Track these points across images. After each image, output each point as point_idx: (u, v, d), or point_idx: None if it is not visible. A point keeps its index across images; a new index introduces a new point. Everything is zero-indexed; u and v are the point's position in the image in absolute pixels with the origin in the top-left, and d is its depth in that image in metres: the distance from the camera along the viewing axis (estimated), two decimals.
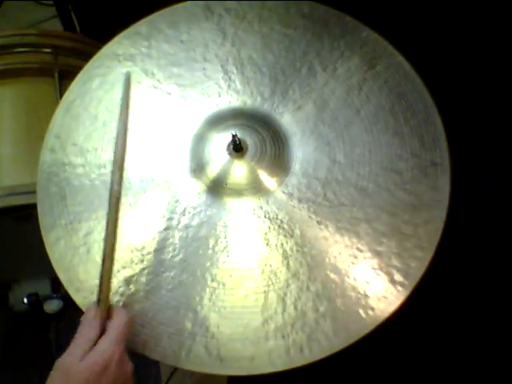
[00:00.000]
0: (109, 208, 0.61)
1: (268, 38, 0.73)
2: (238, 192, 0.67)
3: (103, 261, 0.58)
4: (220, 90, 0.71)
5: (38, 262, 0.70)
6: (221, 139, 0.69)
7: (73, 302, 0.64)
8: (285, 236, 0.64)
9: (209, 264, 0.64)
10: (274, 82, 0.71)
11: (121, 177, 0.62)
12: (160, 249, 0.65)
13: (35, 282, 0.92)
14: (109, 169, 0.68)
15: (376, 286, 0.61)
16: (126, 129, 0.66)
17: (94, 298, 0.61)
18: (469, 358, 0.91)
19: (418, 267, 0.61)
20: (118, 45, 0.75)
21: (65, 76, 0.95)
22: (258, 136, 0.69)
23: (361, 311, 0.60)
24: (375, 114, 0.68)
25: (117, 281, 0.64)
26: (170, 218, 0.66)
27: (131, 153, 0.69)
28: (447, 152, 0.65)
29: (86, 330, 0.53)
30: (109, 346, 0.52)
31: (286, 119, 0.69)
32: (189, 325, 0.61)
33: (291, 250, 0.63)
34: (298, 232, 0.64)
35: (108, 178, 0.65)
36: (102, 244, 0.63)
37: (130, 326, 0.55)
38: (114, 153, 0.64)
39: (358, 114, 0.68)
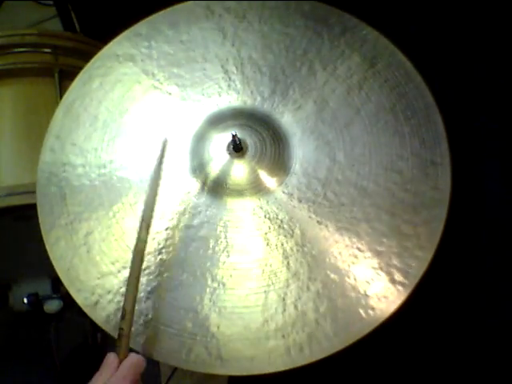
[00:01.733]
0: (132, 263, 0.61)
1: (268, 38, 0.73)
2: (238, 192, 0.67)
3: (124, 315, 0.59)
4: (220, 89, 0.71)
5: (38, 262, 0.70)
6: (221, 139, 0.69)
7: (73, 302, 0.64)
8: (285, 236, 0.64)
9: (209, 264, 0.64)
10: (274, 82, 0.71)
11: (147, 235, 0.63)
12: (160, 249, 0.65)
13: (35, 282, 0.92)
14: (108, 169, 0.69)
15: (376, 286, 0.61)
16: (156, 191, 0.66)
17: (95, 298, 0.62)
18: (469, 357, 0.91)
19: (419, 267, 0.61)
20: (118, 45, 0.75)
21: (65, 76, 0.95)
22: (258, 136, 0.68)
23: (361, 311, 0.60)
24: (375, 113, 0.68)
25: (117, 281, 0.64)
26: (171, 218, 0.66)
27: (132, 153, 0.70)
28: (448, 151, 0.65)
29: (104, 371, 0.57)
30: (116, 380, 0.56)
31: (286, 119, 0.69)
32: (189, 325, 0.61)
33: (291, 249, 0.63)
34: (298, 232, 0.64)
35: (108, 178, 0.65)
36: (102, 245, 0.63)
37: (139, 366, 0.58)
38: (144, 211, 0.64)
39: (358, 114, 0.68)
